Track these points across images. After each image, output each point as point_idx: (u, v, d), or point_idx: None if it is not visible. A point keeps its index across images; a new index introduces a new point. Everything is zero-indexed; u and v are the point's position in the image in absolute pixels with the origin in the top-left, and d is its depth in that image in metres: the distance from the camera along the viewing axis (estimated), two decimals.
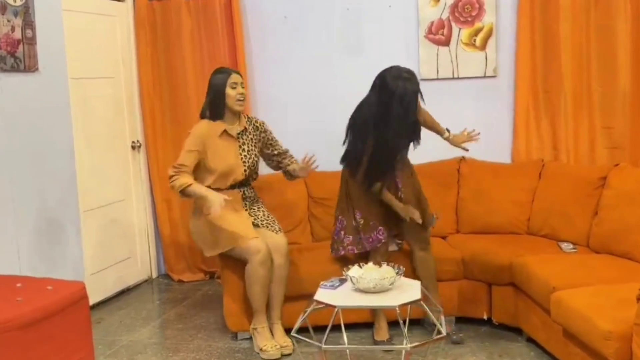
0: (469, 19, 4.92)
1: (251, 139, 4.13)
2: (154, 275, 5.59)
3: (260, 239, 3.94)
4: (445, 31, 4.94)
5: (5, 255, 3.73)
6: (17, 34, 3.79)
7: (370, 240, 3.97)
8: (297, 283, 4.06)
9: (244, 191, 4.13)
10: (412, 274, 3.96)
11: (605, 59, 4.73)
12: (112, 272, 5.06)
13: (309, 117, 5.23)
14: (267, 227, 4.10)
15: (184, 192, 3.90)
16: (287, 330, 3.90)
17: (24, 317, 2.98)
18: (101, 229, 4.94)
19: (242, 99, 4.02)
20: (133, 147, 5.34)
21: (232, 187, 4.06)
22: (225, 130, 4.00)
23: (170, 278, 5.52)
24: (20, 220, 3.83)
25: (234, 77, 4.00)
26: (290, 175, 4.30)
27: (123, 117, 5.24)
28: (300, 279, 4.07)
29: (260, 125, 4.23)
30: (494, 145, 4.83)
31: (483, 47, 4.95)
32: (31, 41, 3.90)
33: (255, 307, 3.97)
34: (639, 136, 4.70)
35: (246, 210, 4.12)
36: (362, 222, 3.98)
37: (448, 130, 4.18)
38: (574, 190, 4.34)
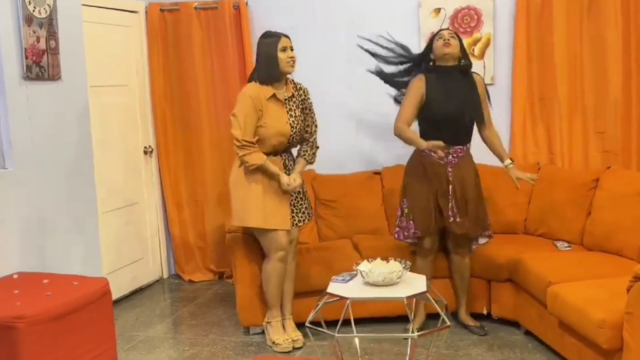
0: (468, 30, 5.13)
1: (297, 104, 4.08)
2: (165, 275, 5.78)
3: (288, 234, 4.03)
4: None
5: (29, 254, 3.90)
6: (42, 45, 3.98)
7: (406, 232, 4.15)
8: (306, 280, 4.25)
9: (285, 159, 4.08)
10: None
11: (597, 67, 4.93)
12: (126, 272, 5.25)
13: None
14: (295, 216, 4.09)
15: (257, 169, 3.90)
16: (297, 325, 4.11)
17: (54, 310, 3.17)
18: (116, 230, 5.14)
19: (293, 62, 3.98)
20: (145, 153, 5.53)
21: (276, 153, 4.03)
22: (274, 94, 3.96)
23: (180, 278, 5.71)
24: (44, 221, 4.00)
25: (284, 41, 3.96)
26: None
27: (136, 124, 5.44)
28: (309, 276, 4.26)
29: (305, 92, 4.18)
30: None
31: (481, 56, 5.15)
32: (55, 51, 4.08)
33: (270, 302, 4.12)
34: (630, 140, 4.92)
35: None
36: (406, 211, 4.16)
37: (512, 161, 4.19)
38: (569, 192, 4.53)
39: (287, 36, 4.03)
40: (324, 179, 5.11)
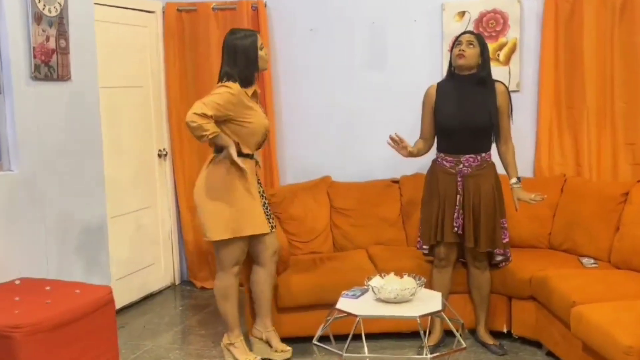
0: (493, 34, 4.96)
1: (259, 102, 4.01)
2: (177, 281, 5.68)
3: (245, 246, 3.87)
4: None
5: (35, 259, 3.82)
6: (52, 44, 3.89)
7: (418, 243, 4.13)
8: (317, 292, 4.11)
9: (256, 162, 3.95)
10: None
11: (629, 74, 4.73)
12: (137, 278, 5.15)
13: (332, 128, 5.30)
14: (270, 217, 3.94)
15: (212, 139, 3.68)
16: (305, 339, 3.94)
17: (53, 319, 3.08)
18: (127, 235, 5.04)
19: (267, 59, 3.92)
20: (159, 156, 5.44)
21: (252, 156, 3.88)
22: (255, 91, 3.87)
23: (192, 285, 5.60)
24: (50, 225, 3.92)
25: (260, 38, 3.87)
26: None
27: (150, 126, 5.34)
28: (321, 288, 4.12)
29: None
30: (516, 159, 4.85)
31: (507, 62, 4.98)
32: (64, 51, 3.99)
33: (232, 323, 3.93)
34: None
35: (259, 186, 3.92)
36: (420, 222, 4.13)
37: (519, 180, 4.03)
38: (596, 205, 4.34)
39: (257, 31, 3.98)
40: (340, 186, 4.97)
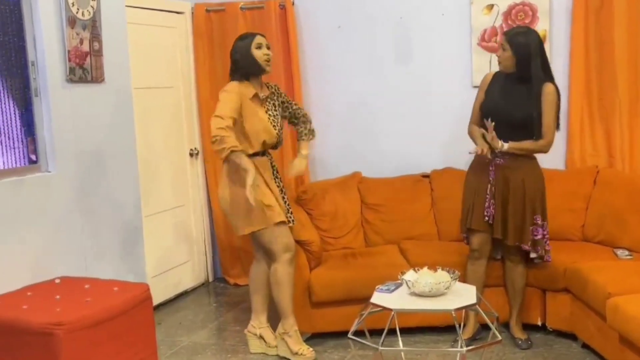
0: None
1: (274, 104, 4.06)
2: (210, 278, 5.73)
3: (289, 231, 3.96)
4: (499, 38, 4.96)
5: (73, 258, 3.90)
6: (85, 47, 3.96)
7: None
8: (350, 287, 4.13)
9: (270, 159, 4.05)
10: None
11: None
12: (171, 275, 5.22)
13: (360, 124, 5.31)
14: (289, 212, 4.06)
15: (228, 155, 3.70)
16: (340, 334, 3.97)
17: (93, 316, 3.15)
18: (161, 233, 5.11)
19: (269, 59, 3.94)
20: (191, 155, 5.49)
21: (263, 153, 3.97)
22: (256, 94, 3.92)
23: (226, 282, 5.65)
24: (88, 224, 3.99)
25: (258, 39, 3.94)
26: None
27: (181, 126, 5.40)
28: (354, 284, 4.14)
29: (277, 88, 4.18)
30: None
31: None
32: (98, 53, 4.06)
33: (286, 310, 3.98)
34: None
35: (277, 185, 4.02)
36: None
37: (506, 146, 3.87)
38: (629, 197, 4.30)
39: (262, 35, 4.03)
40: (370, 182, 4.99)
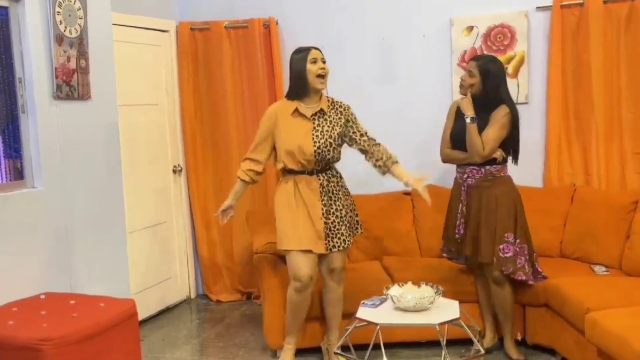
0: (502, 48, 5.04)
1: (330, 121, 3.92)
2: (193, 295, 5.74)
3: (308, 262, 3.85)
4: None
5: (58, 274, 3.89)
6: (72, 64, 3.98)
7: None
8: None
9: (322, 180, 3.92)
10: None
11: (636, 85, 4.79)
12: (154, 292, 5.22)
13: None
14: (333, 237, 3.89)
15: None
16: (313, 350, 4.01)
17: (80, 332, 3.14)
18: (144, 249, 5.12)
19: (323, 74, 3.87)
20: (174, 172, 5.52)
21: (304, 171, 3.90)
22: (296, 109, 3.89)
23: (208, 298, 5.66)
24: (73, 240, 3.99)
25: (314, 53, 3.89)
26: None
27: (165, 143, 5.43)
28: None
29: (345, 109, 4.04)
30: (526, 170, 4.87)
31: (515, 74, 5.05)
32: (85, 71, 4.09)
33: (287, 328, 4.06)
34: None
35: (323, 206, 3.90)
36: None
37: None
38: (606, 214, 4.41)
39: (317, 48, 3.96)
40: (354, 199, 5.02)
